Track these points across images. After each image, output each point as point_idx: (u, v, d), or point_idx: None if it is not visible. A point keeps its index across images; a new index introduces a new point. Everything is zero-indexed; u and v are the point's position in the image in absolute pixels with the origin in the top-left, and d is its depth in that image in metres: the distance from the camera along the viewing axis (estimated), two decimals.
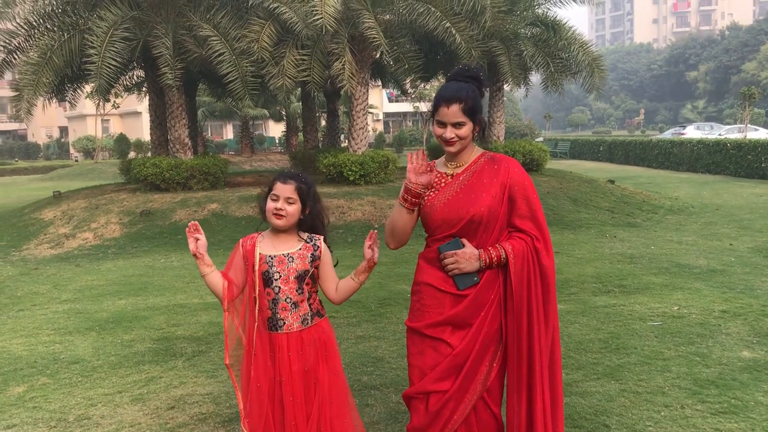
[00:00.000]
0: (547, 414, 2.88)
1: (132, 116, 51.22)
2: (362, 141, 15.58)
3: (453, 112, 2.88)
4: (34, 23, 14.44)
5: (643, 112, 72.72)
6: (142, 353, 5.78)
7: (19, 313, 7.35)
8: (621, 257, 9.32)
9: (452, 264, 2.86)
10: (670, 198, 15.84)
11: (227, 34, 13.31)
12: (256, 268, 3.01)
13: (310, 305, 3.08)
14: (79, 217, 13.09)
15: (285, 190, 3.01)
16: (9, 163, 46.27)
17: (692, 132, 38.76)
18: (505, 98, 18.71)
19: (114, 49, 12.64)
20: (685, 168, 25.50)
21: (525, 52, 15.94)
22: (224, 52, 13.16)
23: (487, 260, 2.85)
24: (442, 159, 3.09)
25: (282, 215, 2.99)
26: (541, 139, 43.50)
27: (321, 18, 12.68)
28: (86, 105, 38.50)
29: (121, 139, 39.93)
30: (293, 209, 3.02)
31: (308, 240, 3.11)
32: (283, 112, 36.99)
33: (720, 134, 33.89)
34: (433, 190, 3.00)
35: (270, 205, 3.02)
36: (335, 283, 3.18)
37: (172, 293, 8.06)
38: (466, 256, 2.85)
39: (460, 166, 3.00)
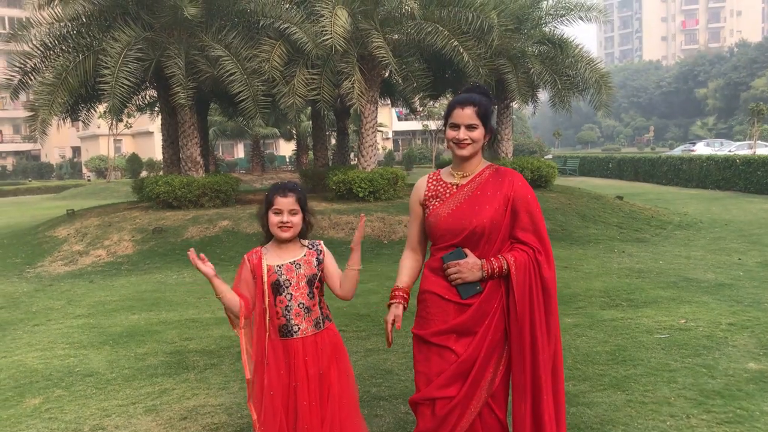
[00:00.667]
0: (552, 422, 2.96)
1: (144, 136, 51.73)
2: (371, 158, 15.73)
3: (467, 113, 3.00)
4: (50, 44, 14.72)
5: (652, 129, 72.69)
6: (155, 366, 5.87)
7: (34, 328, 7.47)
8: (629, 272, 9.36)
9: (455, 273, 2.95)
10: (679, 214, 15.85)
11: (239, 54, 13.54)
12: (265, 279, 3.12)
13: (321, 309, 3.21)
14: (92, 234, 13.26)
15: (287, 203, 3.13)
16: (22, 183, 46.79)
17: (702, 148, 38.75)
18: (513, 116, 18.84)
19: (127, 69, 12.88)
20: (695, 184, 25.47)
21: (532, 70, 16.10)
22: (235, 72, 13.37)
23: (489, 270, 2.94)
24: (448, 168, 3.19)
25: (289, 227, 3.11)
26: (550, 156, 43.56)
27: (330, 38, 12.88)
28: (99, 125, 38.95)
29: (133, 159, 40.33)
30: (298, 219, 3.15)
31: (310, 246, 3.25)
32: (294, 131, 37.25)
33: (730, 150, 33.89)
34: (437, 200, 3.10)
35: (274, 219, 3.13)
36: (339, 278, 3.29)
37: (184, 308, 8.16)
38: (469, 266, 2.94)
39: (465, 176, 3.10)
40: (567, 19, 17.19)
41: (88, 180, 47.64)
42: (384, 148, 54.11)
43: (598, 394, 4.78)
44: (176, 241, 12.51)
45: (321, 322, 3.20)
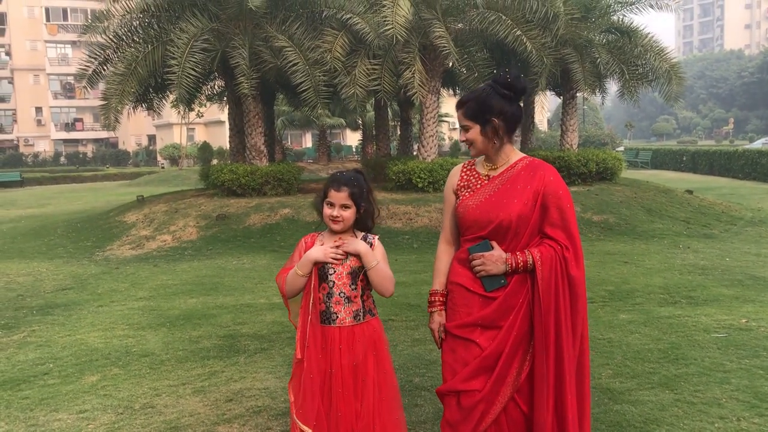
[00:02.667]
0: (575, 422, 2.91)
1: (216, 125, 53.02)
2: (432, 149, 15.68)
3: (458, 117, 3.08)
4: (122, 36, 15.25)
5: (732, 121, 69.88)
6: (207, 349, 6.04)
7: (98, 309, 7.79)
8: (692, 268, 9.06)
9: (479, 265, 2.93)
10: (752, 209, 15.21)
11: (301, 45, 13.71)
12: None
13: (363, 302, 3.20)
14: (159, 220, 13.71)
15: (339, 197, 3.13)
16: (100, 170, 48.70)
17: None
18: (585, 106, 18.41)
19: (193, 59, 13.22)
20: None
21: (599, 60, 15.68)
22: (298, 62, 13.55)
23: (514, 264, 2.90)
24: (482, 158, 3.16)
25: (339, 221, 3.13)
26: (621, 148, 42.45)
27: (392, 28, 12.86)
28: (173, 114, 40.16)
29: (204, 147, 41.37)
30: (349, 214, 3.15)
31: (364, 239, 3.23)
32: (360, 121, 37.48)
33: None
34: (468, 190, 3.08)
35: (327, 211, 3.15)
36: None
37: (241, 293, 8.36)
38: (493, 259, 2.91)
39: (496, 168, 3.07)
40: (636, 7, 16.65)
41: (162, 167, 49.20)
42: (450, 139, 53.81)
43: (645, 392, 4.66)
44: (238, 228, 12.81)
45: (361, 314, 3.20)
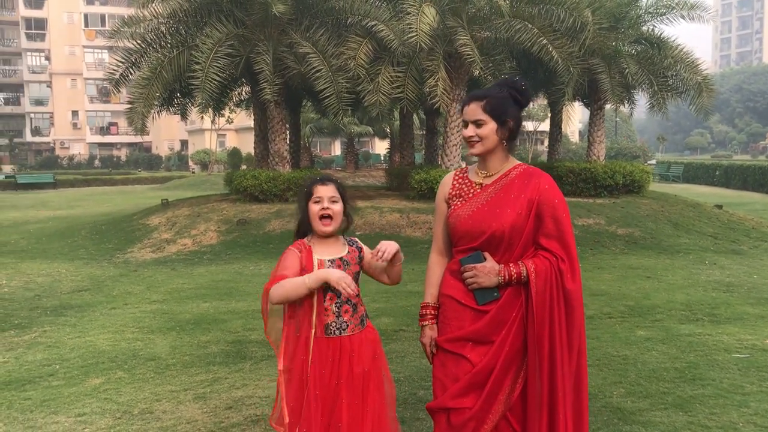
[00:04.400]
0: None
1: (246, 131, 53.31)
2: (455, 157, 15.54)
3: (472, 109, 2.87)
4: (150, 41, 15.40)
5: None
6: (214, 354, 5.99)
7: (111, 311, 7.80)
8: (717, 285, 8.79)
9: (471, 278, 2.80)
10: None
11: (325, 51, 13.71)
12: None
13: (364, 306, 3.13)
14: (181, 224, 13.77)
15: (327, 190, 3.04)
16: (132, 173, 49.34)
17: None
18: (618, 119, 18.14)
19: (218, 65, 13.30)
20: None
21: (627, 70, 15.40)
22: (321, 69, 13.55)
23: (507, 276, 2.77)
24: (475, 166, 3.04)
25: (329, 215, 3.01)
26: (653, 161, 41.83)
27: (416, 35, 12.79)
28: (205, 120, 40.60)
29: (234, 153, 41.71)
30: (338, 208, 3.04)
31: (350, 242, 3.15)
32: (388, 130, 37.48)
33: None
34: (460, 199, 2.96)
35: (314, 208, 3.03)
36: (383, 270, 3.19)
37: (254, 299, 8.30)
38: (485, 270, 2.78)
39: (490, 175, 2.94)
40: (668, 18, 16.33)
41: (193, 172, 49.68)
42: None
43: (658, 413, 4.48)
44: (258, 234, 12.80)
45: (364, 319, 3.12)
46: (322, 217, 3.03)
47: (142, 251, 12.36)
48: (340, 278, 2.91)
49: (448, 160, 15.46)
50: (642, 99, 18.87)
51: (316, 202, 3.05)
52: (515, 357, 2.79)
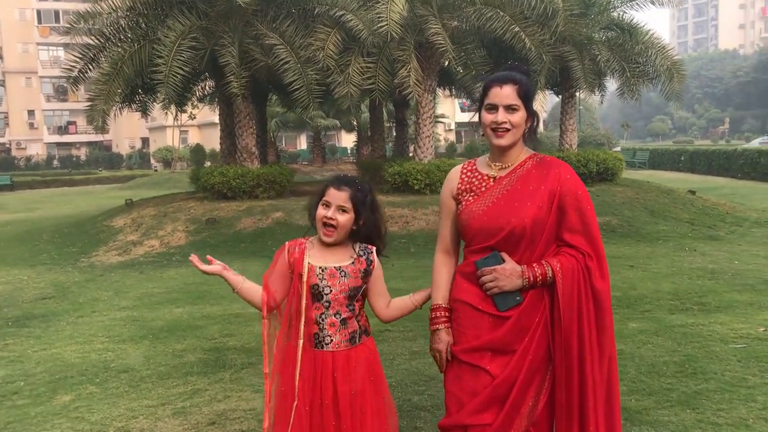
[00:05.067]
0: None
1: (209, 127, 52.50)
2: (428, 149, 15.31)
3: (506, 93, 2.56)
4: (109, 35, 14.83)
5: (727, 121, 69.78)
6: (191, 364, 5.66)
7: (78, 320, 7.39)
8: (701, 272, 8.68)
9: (491, 282, 2.52)
10: (757, 210, 14.88)
11: (293, 43, 13.33)
12: (304, 279, 2.72)
13: (358, 322, 2.81)
14: (147, 224, 13.31)
15: (338, 197, 2.72)
16: (93, 173, 48.22)
17: None
18: (581, 107, 18.07)
19: (181, 58, 12.84)
20: None
21: (599, 57, 15.32)
22: (289, 60, 13.17)
23: (531, 278, 2.49)
24: (485, 158, 2.76)
25: (332, 225, 2.70)
26: (618, 148, 42.17)
27: (386, 25, 12.52)
28: (166, 117, 39.79)
29: (197, 150, 40.94)
30: (345, 220, 2.72)
31: (361, 253, 2.81)
32: (355, 123, 37.10)
33: None
34: (472, 194, 2.68)
35: (320, 212, 2.73)
36: (386, 300, 2.89)
37: (229, 302, 7.95)
38: (507, 273, 2.51)
39: (504, 167, 2.67)
40: (637, 4, 16.29)
41: (155, 170, 48.72)
42: (446, 140, 53.44)
43: (665, 411, 4.28)
44: (228, 233, 12.42)
45: (357, 336, 2.79)
46: (325, 225, 2.73)
47: (107, 254, 11.89)
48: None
49: (422, 152, 15.23)
50: (610, 86, 18.88)
51: (325, 205, 2.74)
52: (539, 366, 2.53)
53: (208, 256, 2.88)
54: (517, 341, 2.52)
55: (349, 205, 2.72)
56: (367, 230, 2.81)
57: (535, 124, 2.68)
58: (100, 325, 7.10)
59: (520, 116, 2.58)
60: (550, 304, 2.53)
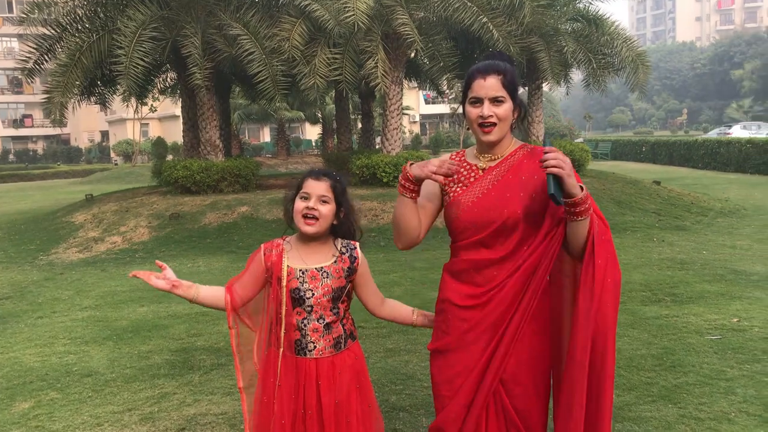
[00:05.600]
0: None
1: (171, 120, 51.58)
2: (396, 142, 15.16)
3: (491, 84, 2.41)
4: (66, 25, 14.34)
5: (686, 112, 71.02)
6: (158, 366, 5.45)
7: (37, 321, 7.10)
8: (671, 263, 8.72)
9: (553, 160, 2.24)
10: (720, 200, 15.08)
11: (257, 33, 13.01)
12: (284, 283, 2.56)
13: (343, 326, 2.65)
14: (109, 220, 12.93)
15: (318, 187, 2.57)
16: (51, 167, 47.02)
17: (738, 131, 37.61)
18: (544, 98, 18.12)
19: (142, 49, 12.45)
20: (733, 168, 24.52)
21: (566, 48, 15.34)
22: (254, 51, 12.86)
23: (586, 196, 2.29)
24: (473, 149, 2.62)
25: (314, 216, 2.54)
26: (580, 139, 42.54)
27: (353, 15, 12.32)
28: (126, 109, 38.93)
29: (159, 143, 40.13)
30: (327, 210, 2.57)
31: (344, 250, 2.65)
32: (319, 115, 36.77)
33: None
34: (460, 185, 2.54)
35: (299, 205, 2.57)
36: (378, 296, 2.75)
37: None
38: (569, 167, 2.27)
39: (494, 158, 2.53)
40: None
41: (115, 164, 47.74)
42: (411, 132, 53.40)
43: (647, 407, 4.23)
44: (193, 228, 12.11)
45: (343, 341, 2.63)
46: (305, 216, 2.57)
47: (67, 251, 11.50)
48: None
49: (389, 145, 15.07)
50: (575, 77, 18.95)
51: (303, 198, 2.58)
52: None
53: (157, 261, 2.72)
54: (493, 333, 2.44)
55: (330, 195, 2.58)
56: (348, 222, 2.68)
57: (522, 113, 2.55)
58: (60, 326, 6.83)
59: (506, 108, 2.44)
60: (524, 293, 2.42)
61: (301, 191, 2.59)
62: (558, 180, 2.24)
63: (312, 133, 53.35)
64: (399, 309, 2.78)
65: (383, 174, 14.21)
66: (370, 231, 11.28)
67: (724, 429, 3.87)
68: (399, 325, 6.30)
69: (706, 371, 4.80)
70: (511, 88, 2.44)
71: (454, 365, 2.49)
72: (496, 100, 2.42)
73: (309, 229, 2.57)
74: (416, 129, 58.21)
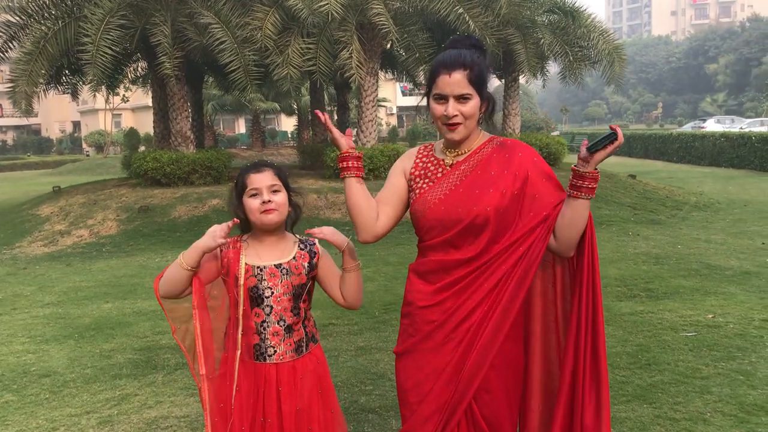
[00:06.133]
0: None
1: (144, 110, 50.79)
2: (371, 134, 15.00)
3: (456, 80, 2.25)
4: (32, 13, 13.94)
5: (661, 106, 71.68)
6: (120, 365, 5.25)
7: None
8: (646, 257, 8.67)
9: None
10: (695, 193, 15.14)
11: (229, 22, 12.73)
12: (241, 282, 2.40)
13: (305, 328, 2.50)
14: (76, 213, 12.62)
15: (264, 178, 2.42)
16: (21, 158, 46.18)
17: (712, 125, 37.97)
18: (520, 91, 18.04)
19: (109, 37, 12.12)
20: (707, 162, 24.72)
21: (542, 41, 15.27)
22: (226, 41, 12.59)
23: (598, 175, 2.23)
24: (441, 143, 2.47)
25: (273, 209, 2.39)
26: (557, 133, 42.68)
27: (327, 4, 12.12)
28: (98, 99, 38.24)
29: (131, 134, 39.51)
30: (281, 198, 2.43)
31: (302, 246, 2.51)
32: (295, 106, 36.41)
33: (741, 127, 33.08)
34: (426, 180, 2.39)
35: (253, 203, 2.40)
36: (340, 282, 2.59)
37: None
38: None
39: (461, 153, 2.39)
40: None
41: (87, 155, 46.98)
42: (388, 124, 53.19)
43: (622, 407, 4.13)
44: (162, 221, 11.86)
45: (304, 345, 2.49)
46: (263, 211, 2.40)
47: (32, 245, 11.20)
48: (210, 233, 2.36)
49: (364, 137, 14.90)
50: (551, 69, 18.90)
51: (253, 195, 2.42)
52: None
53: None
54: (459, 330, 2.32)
55: (278, 182, 2.45)
56: (296, 208, 2.55)
57: (491, 108, 2.40)
58: (20, 323, 6.59)
59: (472, 105, 2.29)
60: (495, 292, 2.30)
61: (248, 189, 2.43)
62: (606, 144, 2.15)
63: (288, 124, 52.95)
64: (345, 284, 2.57)
65: None
66: (343, 225, 11.11)
67: (700, 430, 3.78)
68: (370, 320, 6.20)
69: (681, 369, 4.71)
70: (478, 83, 2.28)
71: (423, 368, 2.35)
72: (462, 98, 2.27)
73: (272, 217, 2.41)
74: (393, 121, 58.03)
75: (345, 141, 2.40)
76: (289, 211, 2.49)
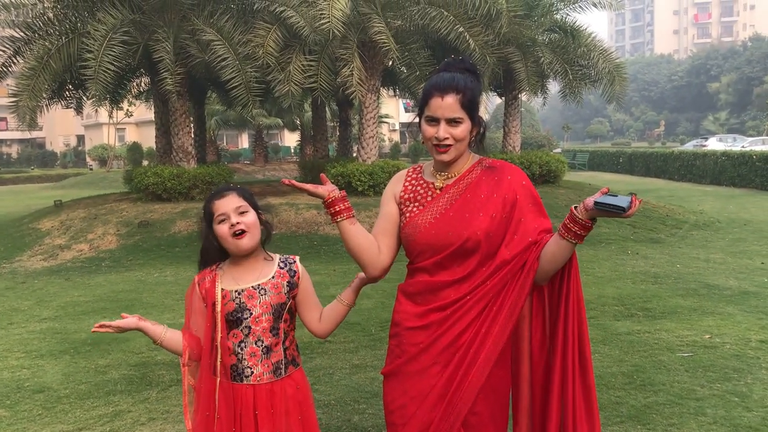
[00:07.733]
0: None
1: (147, 125, 51.00)
2: (372, 150, 15.04)
3: (448, 104, 2.28)
4: (36, 28, 14.06)
5: (663, 124, 71.75)
6: (115, 381, 5.24)
7: None
8: (644, 276, 8.65)
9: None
10: (695, 212, 15.11)
11: (231, 39, 12.83)
12: (218, 308, 2.40)
13: (285, 351, 2.47)
14: (76, 227, 12.63)
15: (229, 202, 2.41)
16: (24, 171, 46.31)
17: (714, 144, 37.99)
18: (522, 108, 18.10)
19: (112, 53, 12.19)
20: (709, 181, 24.68)
21: (543, 59, 15.33)
22: (228, 57, 12.67)
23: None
24: (430, 165, 2.49)
25: (243, 230, 2.38)
26: (559, 150, 42.75)
27: (328, 22, 12.19)
28: (102, 114, 38.40)
29: (134, 148, 39.72)
30: (251, 219, 2.41)
31: (281, 265, 2.49)
32: (298, 122, 36.56)
33: (743, 146, 33.09)
34: (416, 204, 2.40)
35: (222, 229, 2.39)
36: (319, 312, 2.57)
37: (160, 311, 7.52)
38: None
39: (450, 176, 2.40)
40: (579, 6, 16.41)
41: (90, 169, 47.14)
42: (391, 140, 53.33)
43: (615, 428, 4.12)
44: (162, 236, 11.86)
45: (283, 367, 2.46)
46: (235, 235, 2.40)
47: (32, 259, 11.20)
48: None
49: (365, 153, 14.94)
50: (552, 88, 18.97)
51: (222, 221, 2.41)
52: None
53: (122, 314, 2.53)
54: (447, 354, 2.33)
55: (244, 203, 2.43)
56: (267, 225, 2.53)
57: (482, 131, 2.42)
58: (16, 338, 6.58)
59: (463, 129, 2.31)
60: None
61: (215, 216, 2.42)
62: (612, 211, 2.23)
63: (291, 140, 53.11)
64: (331, 311, 2.58)
65: (358, 183, 14.08)
66: (341, 241, 11.13)
67: None
68: (366, 338, 6.18)
69: (676, 390, 4.69)
70: (470, 107, 2.31)
71: (408, 391, 2.35)
72: (453, 121, 2.30)
73: (245, 242, 2.40)
74: (396, 137, 58.19)
75: (322, 188, 2.40)
76: (261, 229, 2.49)
